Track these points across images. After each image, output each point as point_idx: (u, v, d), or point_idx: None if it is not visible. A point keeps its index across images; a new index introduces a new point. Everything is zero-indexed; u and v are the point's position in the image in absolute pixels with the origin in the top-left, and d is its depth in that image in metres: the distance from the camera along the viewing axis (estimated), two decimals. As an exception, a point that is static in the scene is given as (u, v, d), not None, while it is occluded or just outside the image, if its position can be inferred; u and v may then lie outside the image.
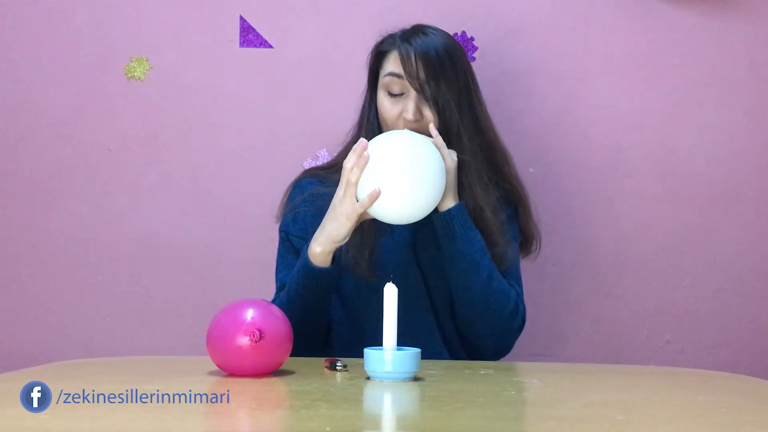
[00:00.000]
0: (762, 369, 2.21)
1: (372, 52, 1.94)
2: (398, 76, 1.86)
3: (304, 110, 2.25)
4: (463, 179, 1.87)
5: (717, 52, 2.24)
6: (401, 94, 1.87)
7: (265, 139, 2.26)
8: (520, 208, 1.97)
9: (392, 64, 1.88)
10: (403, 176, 1.73)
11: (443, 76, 1.85)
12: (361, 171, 1.72)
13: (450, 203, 1.82)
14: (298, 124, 2.25)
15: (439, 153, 1.78)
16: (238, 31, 2.25)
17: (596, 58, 2.25)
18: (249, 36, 2.25)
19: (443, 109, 1.86)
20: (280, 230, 1.96)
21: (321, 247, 1.76)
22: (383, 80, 1.89)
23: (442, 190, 1.78)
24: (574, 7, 2.25)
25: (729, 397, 1.52)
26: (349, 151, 1.83)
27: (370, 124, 1.93)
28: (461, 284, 1.84)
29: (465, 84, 1.89)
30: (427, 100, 1.86)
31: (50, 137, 2.27)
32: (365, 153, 1.73)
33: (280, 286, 1.91)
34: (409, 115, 1.85)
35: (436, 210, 1.81)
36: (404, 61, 1.85)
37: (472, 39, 2.22)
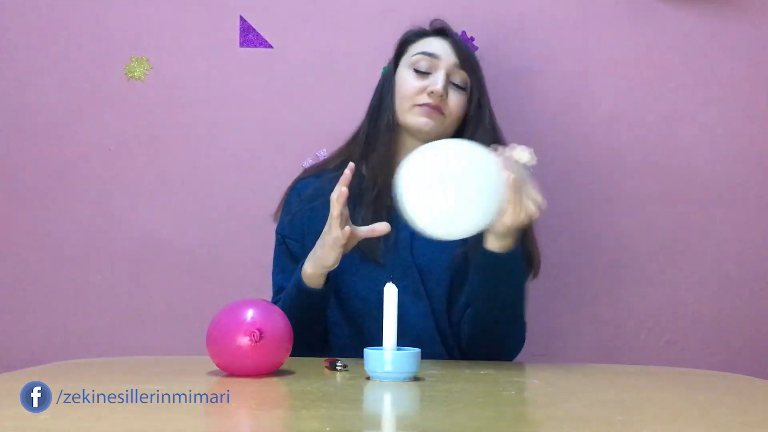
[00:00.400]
0: (762, 369, 2.21)
1: (400, 39, 1.97)
2: (429, 54, 1.90)
3: (304, 110, 2.25)
4: None
5: (717, 52, 2.24)
6: (428, 73, 1.90)
7: (265, 139, 2.26)
8: None
9: (423, 45, 1.93)
10: (455, 194, 1.61)
11: (473, 71, 1.92)
12: (341, 206, 1.68)
13: (501, 243, 1.71)
14: (298, 124, 2.25)
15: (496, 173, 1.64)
16: (238, 31, 2.25)
17: (596, 58, 2.25)
18: (249, 36, 2.25)
19: (471, 95, 1.91)
20: (277, 233, 1.96)
21: (312, 270, 1.77)
22: (411, 59, 1.92)
23: (491, 216, 1.64)
24: (574, 7, 2.25)
25: (729, 397, 1.52)
26: (355, 141, 1.93)
27: (386, 105, 1.93)
28: (483, 320, 1.81)
29: (484, 88, 1.96)
30: (455, 86, 1.90)
31: (50, 137, 2.27)
32: (342, 188, 1.67)
33: (277, 290, 1.91)
34: (438, 85, 1.87)
35: (481, 240, 1.72)
36: (448, 40, 1.92)
37: (472, 39, 2.22)
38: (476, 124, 1.92)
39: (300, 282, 1.78)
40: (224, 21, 2.25)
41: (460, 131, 1.93)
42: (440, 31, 1.96)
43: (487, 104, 1.94)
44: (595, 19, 2.25)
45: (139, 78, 2.25)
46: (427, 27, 1.98)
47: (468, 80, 1.91)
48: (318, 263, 1.76)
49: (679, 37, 2.24)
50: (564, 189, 2.25)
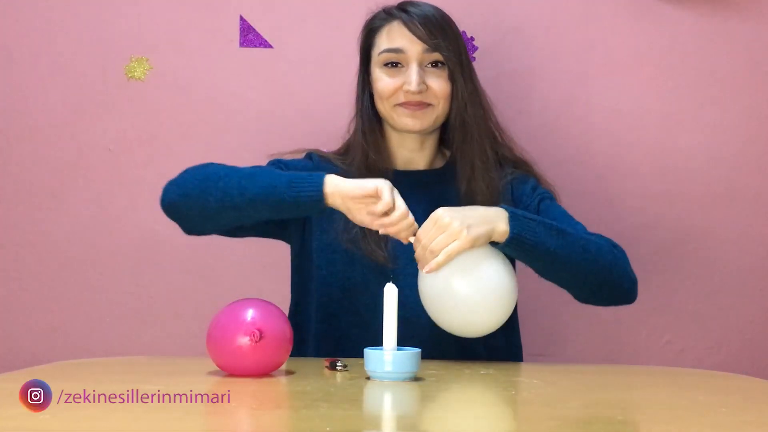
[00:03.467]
0: (762, 369, 2.21)
1: (362, 32, 1.91)
2: (394, 51, 1.83)
3: (304, 110, 2.25)
4: (466, 147, 1.86)
5: (717, 52, 2.24)
6: (399, 66, 1.83)
7: (265, 139, 2.26)
8: (531, 173, 1.95)
9: (386, 40, 1.85)
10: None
11: (447, 38, 1.82)
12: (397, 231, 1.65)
13: (504, 225, 1.68)
14: (298, 124, 2.25)
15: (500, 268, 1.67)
16: (238, 31, 2.25)
17: (596, 58, 2.25)
18: (249, 36, 2.25)
19: (452, 73, 1.82)
20: (272, 161, 1.90)
21: (338, 182, 1.66)
22: (378, 58, 1.85)
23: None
24: (574, 7, 2.25)
25: (729, 397, 1.52)
26: (351, 141, 1.89)
27: (366, 109, 1.89)
28: (567, 277, 1.78)
29: (463, 48, 1.87)
30: (432, 66, 1.83)
31: (50, 137, 2.27)
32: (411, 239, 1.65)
33: None
34: (413, 85, 1.80)
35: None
36: (409, 26, 1.81)
37: (472, 39, 2.22)
38: (467, 95, 1.85)
39: (319, 178, 1.67)
40: (224, 21, 2.25)
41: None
42: (397, 13, 1.85)
43: (460, 77, 1.84)
44: (595, 19, 2.25)
45: (139, 78, 2.25)
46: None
47: (442, 58, 1.83)
48: (349, 183, 1.66)
49: (679, 37, 2.24)
50: (564, 189, 2.24)
